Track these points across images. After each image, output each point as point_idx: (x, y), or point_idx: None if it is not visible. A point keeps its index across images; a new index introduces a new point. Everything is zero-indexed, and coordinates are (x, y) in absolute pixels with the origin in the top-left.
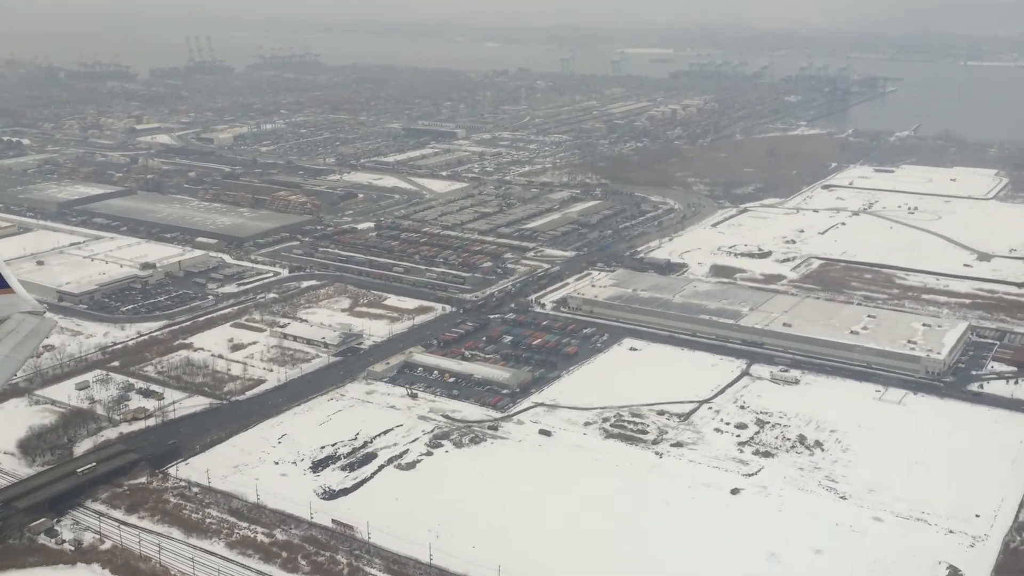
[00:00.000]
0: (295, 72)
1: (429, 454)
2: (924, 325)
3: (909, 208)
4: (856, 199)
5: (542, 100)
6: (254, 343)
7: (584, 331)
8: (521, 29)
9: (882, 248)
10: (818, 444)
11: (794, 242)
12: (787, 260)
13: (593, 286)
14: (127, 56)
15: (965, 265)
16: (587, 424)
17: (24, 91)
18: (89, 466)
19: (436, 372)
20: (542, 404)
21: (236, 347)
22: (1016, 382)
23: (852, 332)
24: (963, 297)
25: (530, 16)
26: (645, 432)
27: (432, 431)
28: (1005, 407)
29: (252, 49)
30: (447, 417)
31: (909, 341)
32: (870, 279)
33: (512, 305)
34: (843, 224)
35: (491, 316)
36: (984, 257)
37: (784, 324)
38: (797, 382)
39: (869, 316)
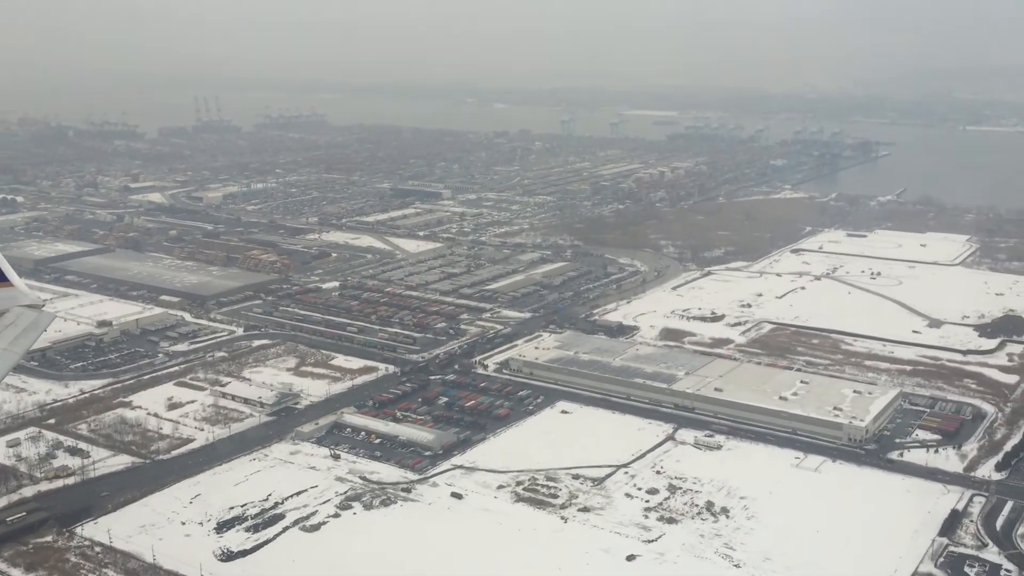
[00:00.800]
0: (300, 132)
1: (337, 516)
2: (855, 392)
3: (871, 273)
4: (822, 263)
5: (536, 161)
6: (192, 402)
7: (520, 393)
8: (533, 91)
9: (836, 313)
10: (724, 511)
11: (750, 306)
12: (738, 324)
13: (537, 348)
14: (137, 115)
15: (914, 332)
16: (500, 487)
17: (32, 149)
18: (19, 515)
19: (364, 433)
20: (461, 467)
21: (174, 406)
22: (936, 451)
23: (781, 398)
24: (905, 364)
25: (545, 78)
26: (556, 496)
27: (345, 493)
28: (920, 476)
29: (260, 109)
30: (364, 479)
31: (835, 408)
32: (817, 344)
33: (456, 366)
34: (803, 289)
35: (432, 377)
36: (935, 324)
37: (716, 389)
38: (720, 447)
39: (802, 382)
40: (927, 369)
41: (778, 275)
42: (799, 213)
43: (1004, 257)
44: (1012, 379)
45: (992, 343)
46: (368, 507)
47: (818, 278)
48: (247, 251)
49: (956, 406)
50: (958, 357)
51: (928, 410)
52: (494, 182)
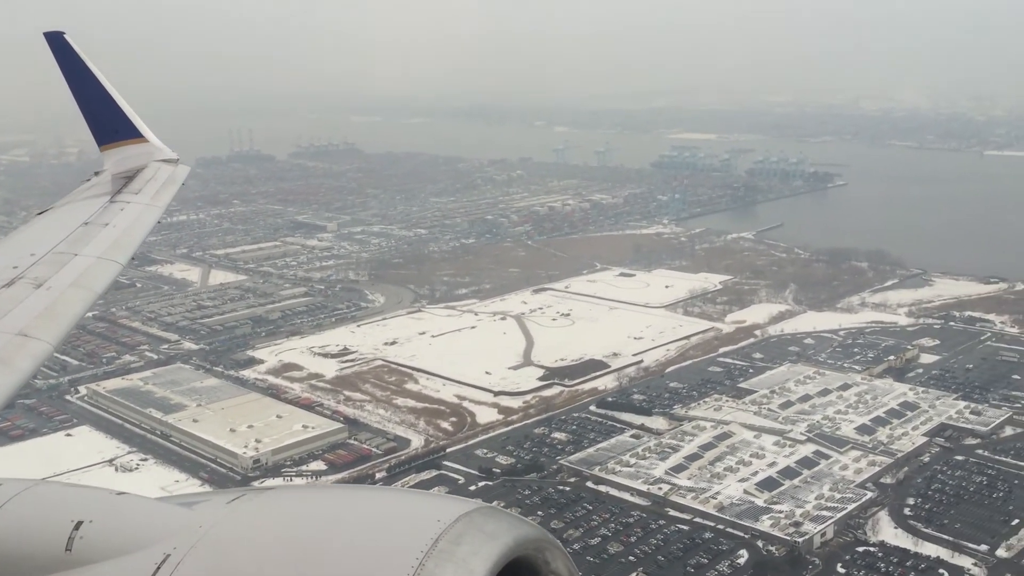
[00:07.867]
0: (329, 162)
1: None
2: (304, 426)
3: (554, 316)
4: (535, 304)
5: (487, 191)
6: None
7: (56, 418)
8: (613, 112)
9: (457, 352)
10: None
11: (395, 343)
12: (349, 361)
13: (125, 380)
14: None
15: (486, 372)
16: None
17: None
18: None
19: None
20: None
21: None
22: (291, 478)
23: (231, 430)
24: (433, 403)
25: (648, 97)
26: None
27: None
28: None
29: (293, 139)
30: None
31: (257, 440)
32: (390, 381)
33: (55, 393)
34: (472, 328)
35: (19, 402)
36: (520, 366)
37: (193, 420)
38: (134, 469)
39: (278, 416)
40: (438, 408)
41: (475, 314)
42: (614, 250)
43: (723, 300)
44: (493, 418)
45: (534, 385)
46: None
47: (504, 318)
48: None
49: (386, 441)
50: (487, 397)
51: (355, 443)
52: (412, 213)
